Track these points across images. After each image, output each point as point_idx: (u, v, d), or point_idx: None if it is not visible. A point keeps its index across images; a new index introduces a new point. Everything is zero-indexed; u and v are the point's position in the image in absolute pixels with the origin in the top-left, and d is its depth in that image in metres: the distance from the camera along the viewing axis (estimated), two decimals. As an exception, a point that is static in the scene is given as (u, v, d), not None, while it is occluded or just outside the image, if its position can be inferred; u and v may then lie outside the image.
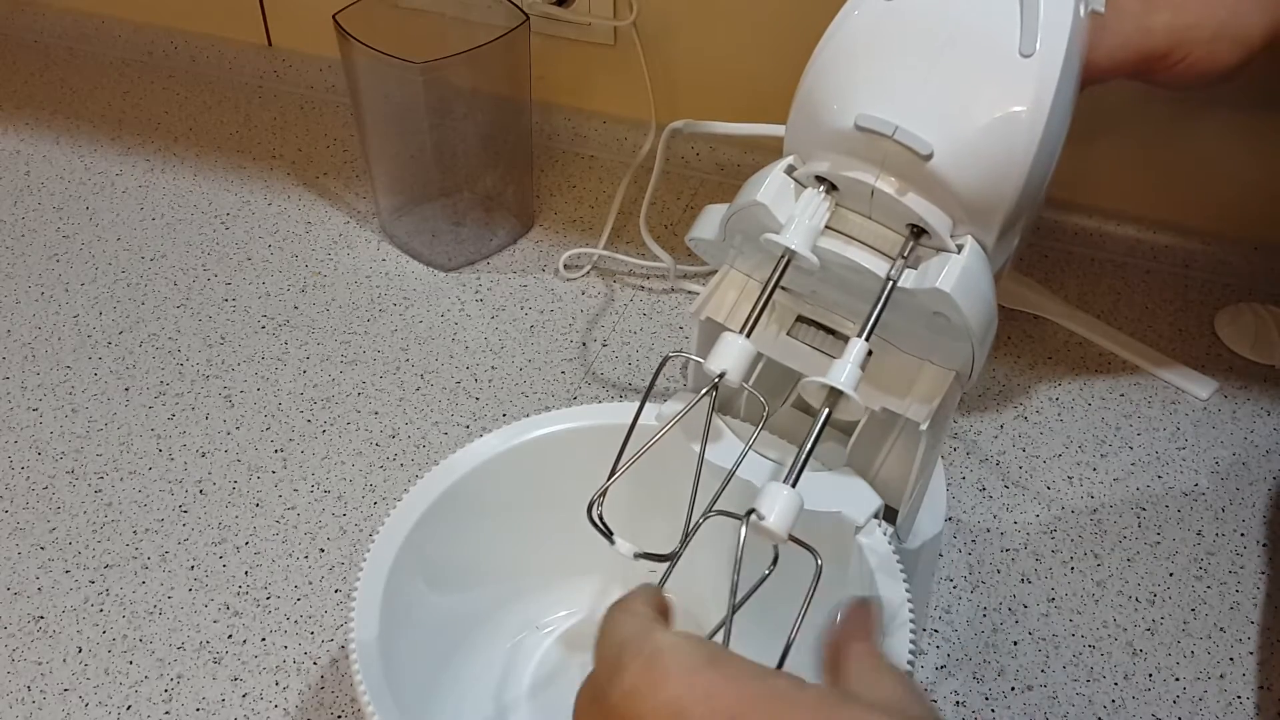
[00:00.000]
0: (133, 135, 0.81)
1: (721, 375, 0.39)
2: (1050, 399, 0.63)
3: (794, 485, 0.35)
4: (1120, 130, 0.68)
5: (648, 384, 0.46)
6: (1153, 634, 0.52)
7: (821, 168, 0.39)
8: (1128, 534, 0.56)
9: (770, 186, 0.40)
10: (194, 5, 0.87)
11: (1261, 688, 0.50)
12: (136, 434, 0.60)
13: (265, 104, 0.85)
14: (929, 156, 0.37)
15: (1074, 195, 0.72)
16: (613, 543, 0.38)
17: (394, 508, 0.43)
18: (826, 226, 0.40)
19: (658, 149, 0.64)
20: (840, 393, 0.37)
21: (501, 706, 0.47)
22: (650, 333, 0.66)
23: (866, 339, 0.38)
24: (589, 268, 0.70)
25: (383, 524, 0.43)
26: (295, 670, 0.49)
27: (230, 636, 0.50)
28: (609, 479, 0.39)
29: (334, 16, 0.63)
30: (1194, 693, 0.49)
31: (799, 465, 0.36)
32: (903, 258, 0.39)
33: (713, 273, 0.71)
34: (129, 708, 0.48)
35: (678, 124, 0.60)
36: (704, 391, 0.39)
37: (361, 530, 0.55)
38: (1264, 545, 0.55)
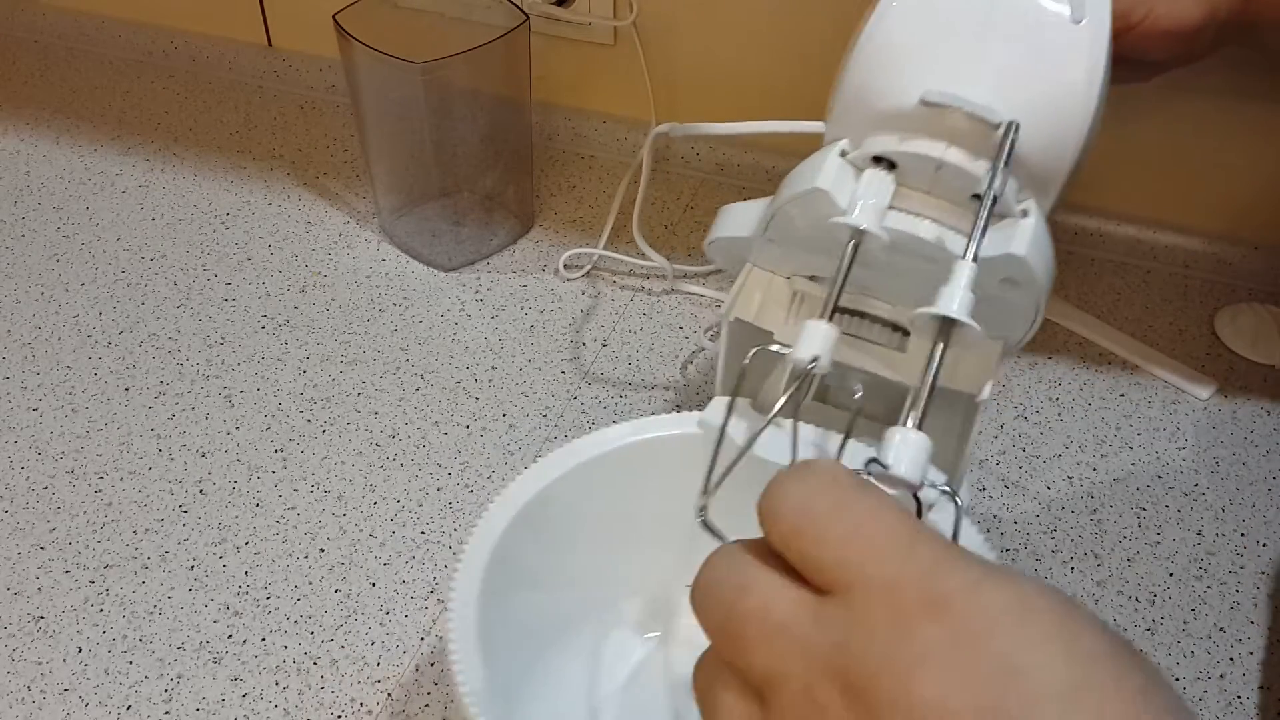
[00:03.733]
0: (133, 135, 0.81)
1: (815, 361, 0.37)
2: (1050, 399, 0.63)
3: (919, 427, 0.33)
4: (1120, 130, 0.68)
5: (738, 378, 0.43)
6: (1153, 634, 0.52)
7: (883, 147, 0.39)
8: (1128, 534, 0.56)
9: (828, 171, 0.40)
10: (194, 5, 0.87)
11: (1262, 688, 0.50)
12: (136, 434, 0.60)
13: (265, 104, 0.85)
14: (998, 126, 0.37)
15: (1074, 195, 0.72)
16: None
17: (487, 507, 0.43)
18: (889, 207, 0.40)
19: (644, 153, 0.64)
20: (953, 323, 0.35)
21: (593, 706, 0.46)
22: (650, 333, 0.66)
23: (974, 259, 0.37)
24: (589, 268, 0.70)
25: (476, 522, 0.42)
26: (295, 670, 0.49)
27: (230, 636, 0.50)
28: (708, 479, 0.37)
29: (334, 16, 0.63)
30: (1194, 693, 0.49)
31: (924, 402, 0.34)
32: (979, 228, 0.38)
33: (712, 273, 0.72)
34: (129, 708, 0.48)
35: (663, 127, 0.60)
36: (800, 380, 0.38)
37: (361, 530, 0.55)
38: (1264, 545, 0.55)
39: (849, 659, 0.25)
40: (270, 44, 0.87)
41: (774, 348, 0.41)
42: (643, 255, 0.68)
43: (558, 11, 0.74)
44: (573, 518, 0.45)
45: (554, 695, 0.46)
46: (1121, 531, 0.56)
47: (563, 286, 0.69)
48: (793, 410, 0.40)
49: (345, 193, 0.76)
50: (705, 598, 0.28)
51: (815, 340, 0.37)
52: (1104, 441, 0.60)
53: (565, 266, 0.70)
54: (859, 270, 0.43)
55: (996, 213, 0.39)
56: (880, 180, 0.40)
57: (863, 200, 0.39)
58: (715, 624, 0.27)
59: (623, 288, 0.69)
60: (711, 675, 0.28)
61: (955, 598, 0.25)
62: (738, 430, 0.43)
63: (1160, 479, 0.58)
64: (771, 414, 0.38)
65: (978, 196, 0.39)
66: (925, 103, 0.38)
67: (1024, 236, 0.38)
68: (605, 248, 0.70)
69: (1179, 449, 0.60)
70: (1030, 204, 0.39)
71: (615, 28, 0.75)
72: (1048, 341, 0.66)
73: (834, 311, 0.39)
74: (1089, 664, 0.24)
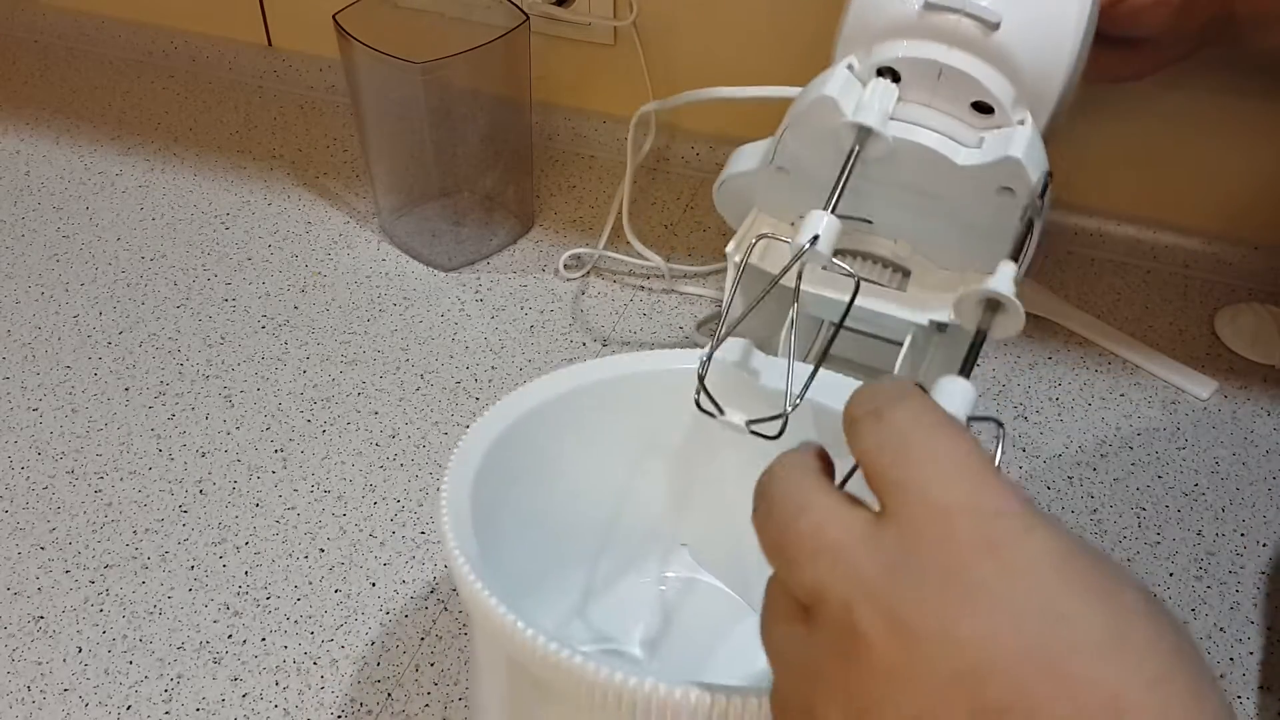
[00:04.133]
0: (133, 135, 0.81)
1: (814, 239, 0.38)
2: (1050, 399, 0.63)
3: (967, 376, 0.34)
4: (1120, 130, 0.68)
5: (736, 272, 0.44)
6: (1153, 634, 0.52)
7: (889, 54, 0.41)
8: (1128, 534, 0.56)
9: (836, 81, 0.42)
10: (194, 5, 0.87)
11: (1261, 688, 0.50)
12: (136, 434, 0.60)
13: (265, 104, 0.85)
14: (997, 25, 0.39)
15: (1074, 195, 0.72)
16: (723, 414, 0.38)
17: (474, 421, 0.41)
18: (891, 118, 0.42)
19: (627, 143, 0.64)
20: (998, 304, 0.37)
21: (586, 618, 0.47)
22: (650, 333, 0.66)
23: (1017, 260, 0.38)
24: (589, 268, 0.70)
25: (462, 436, 0.41)
26: (295, 670, 0.49)
27: (230, 636, 0.50)
28: (716, 341, 0.39)
29: (334, 16, 0.63)
30: (1194, 693, 0.49)
31: (973, 358, 0.36)
32: (975, 134, 0.41)
33: (712, 272, 0.72)
34: (129, 708, 0.48)
35: (647, 106, 0.60)
36: (794, 259, 0.39)
37: (361, 530, 0.55)
38: (1263, 545, 0.55)
39: (896, 585, 0.25)
40: (270, 44, 0.87)
41: (782, 237, 0.42)
42: (641, 255, 0.69)
43: (558, 11, 0.74)
44: (564, 441, 0.45)
45: (552, 608, 0.46)
46: (1121, 531, 0.56)
47: (563, 286, 0.69)
48: (793, 298, 0.41)
49: (345, 193, 0.76)
50: (765, 515, 0.28)
51: (817, 225, 0.39)
52: (1104, 441, 0.60)
53: (565, 266, 0.70)
54: (860, 200, 0.44)
55: (995, 124, 0.41)
56: (885, 89, 0.41)
57: (867, 105, 0.41)
58: (771, 540, 0.28)
59: (622, 287, 0.69)
60: (772, 594, 0.28)
61: (1007, 540, 0.25)
62: (743, 364, 0.44)
63: (1160, 479, 0.58)
64: (773, 279, 0.39)
65: (976, 105, 0.41)
66: (929, 5, 0.40)
67: (1020, 141, 0.40)
68: (605, 248, 0.70)
69: (1179, 449, 0.60)
70: (1026, 115, 0.41)
71: (615, 28, 0.75)
72: (1048, 341, 0.66)
73: (836, 203, 0.40)
74: (1129, 617, 0.24)
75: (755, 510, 0.29)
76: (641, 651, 0.47)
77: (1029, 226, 0.41)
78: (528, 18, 0.64)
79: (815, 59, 0.68)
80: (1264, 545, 0.55)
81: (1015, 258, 0.39)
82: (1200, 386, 0.63)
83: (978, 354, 0.37)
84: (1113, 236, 0.72)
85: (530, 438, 0.43)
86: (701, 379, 0.38)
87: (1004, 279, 0.38)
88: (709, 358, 0.39)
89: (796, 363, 0.39)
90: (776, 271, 0.47)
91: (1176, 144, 0.68)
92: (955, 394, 0.33)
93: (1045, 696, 0.23)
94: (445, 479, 0.38)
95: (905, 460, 0.26)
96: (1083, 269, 0.71)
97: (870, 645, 0.25)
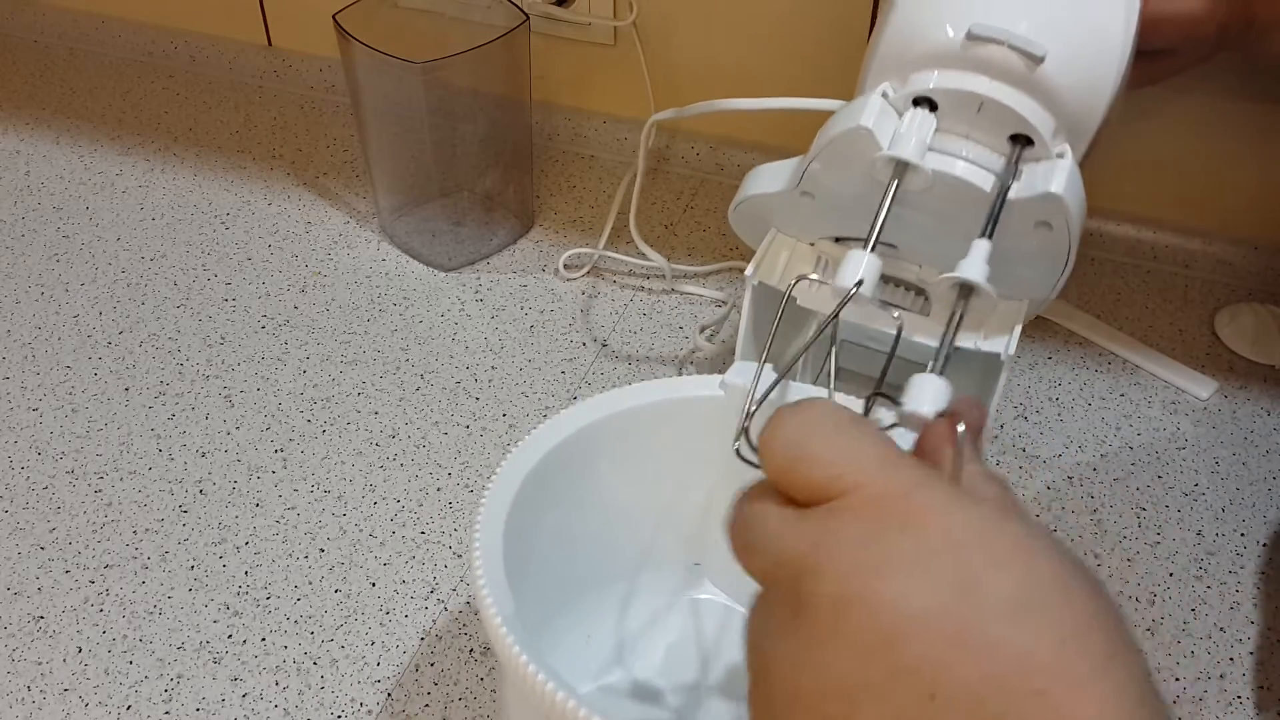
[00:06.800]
0: (133, 135, 0.81)
1: (859, 284, 0.38)
2: (1050, 399, 0.63)
3: (941, 374, 0.34)
4: (1121, 130, 0.68)
5: (779, 310, 0.43)
6: (1153, 634, 0.52)
7: (926, 84, 0.40)
8: (1128, 534, 0.56)
9: (871, 110, 0.41)
10: (194, 5, 0.87)
11: (1261, 688, 0.50)
12: (136, 434, 0.60)
13: (265, 104, 0.85)
14: (1041, 59, 0.38)
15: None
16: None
17: (507, 455, 0.41)
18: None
19: (639, 147, 0.64)
20: (971, 289, 0.37)
21: (620, 645, 0.47)
22: (650, 333, 0.66)
23: (990, 237, 0.38)
24: (589, 268, 0.70)
25: (495, 471, 0.41)
26: (295, 670, 0.49)
27: (230, 636, 0.50)
28: (744, 413, 0.38)
29: (334, 16, 0.63)
30: (1194, 693, 0.49)
31: (944, 353, 0.35)
32: (1014, 164, 0.40)
33: (712, 273, 0.72)
34: (129, 708, 0.48)
35: (662, 114, 0.60)
36: (840, 303, 0.38)
37: (361, 530, 0.55)
38: (1264, 545, 0.55)
39: (823, 557, 0.27)
40: (270, 44, 0.87)
41: (813, 276, 0.41)
42: (642, 255, 0.69)
43: (558, 11, 0.74)
44: (599, 467, 0.45)
45: (584, 632, 0.46)
46: (1121, 531, 0.56)
47: (563, 286, 0.69)
48: (831, 339, 0.40)
49: (345, 193, 0.76)
50: (732, 537, 0.31)
51: (859, 267, 0.38)
52: (1104, 441, 0.60)
53: (565, 266, 0.70)
54: (891, 225, 0.44)
55: (1032, 156, 0.40)
56: (922, 119, 0.40)
57: (905, 135, 0.40)
58: (736, 549, 0.30)
59: (622, 287, 0.69)
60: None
61: (928, 514, 0.27)
62: (763, 386, 0.43)
63: (1160, 479, 0.58)
64: (828, 318, 0.38)
65: (1015, 138, 0.40)
66: (972, 35, 0.38)
67: (1060, 176, 0.39)
68: (605, 247, 0.70)
69: (1179, 449, 0.60)
70: (1065, 148, 0.40)
71: (615, 28, 0.75)
72: (1048, 341, 0.66)
73: (875, 242, 0.39)
74: (1041, 585, 0.25)
75: (728, 535, 0.31)
76: (672, 687, 0.47)
77: (1003, 195, 0.40)
78: (528, 18, 0.64)
79: (816, 61, 0.68)
80: (1264, 545, 0.55)
81: (988, 234, 0.39)
82: (1200, 386, 0.63)
83: (952, 341, 0.36)
84: (1113, 236, 0.72)
85: (566, 464, 0.42)
86: (746, 431, 0.37)
87: (976, 262, 0.37)
88: (752, 412, 0.37)
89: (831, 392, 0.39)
90: (796, 296, 0.47)
91: (1176, 144, 0.68)
92: (925, 392, 0.33)
93: (955, 658, 0.24)
94: (478, 520, 0.38)
95: (819, 462, 0.28)
96: (1083, 269, 0.71)
97: (810, 611, 0.26)
